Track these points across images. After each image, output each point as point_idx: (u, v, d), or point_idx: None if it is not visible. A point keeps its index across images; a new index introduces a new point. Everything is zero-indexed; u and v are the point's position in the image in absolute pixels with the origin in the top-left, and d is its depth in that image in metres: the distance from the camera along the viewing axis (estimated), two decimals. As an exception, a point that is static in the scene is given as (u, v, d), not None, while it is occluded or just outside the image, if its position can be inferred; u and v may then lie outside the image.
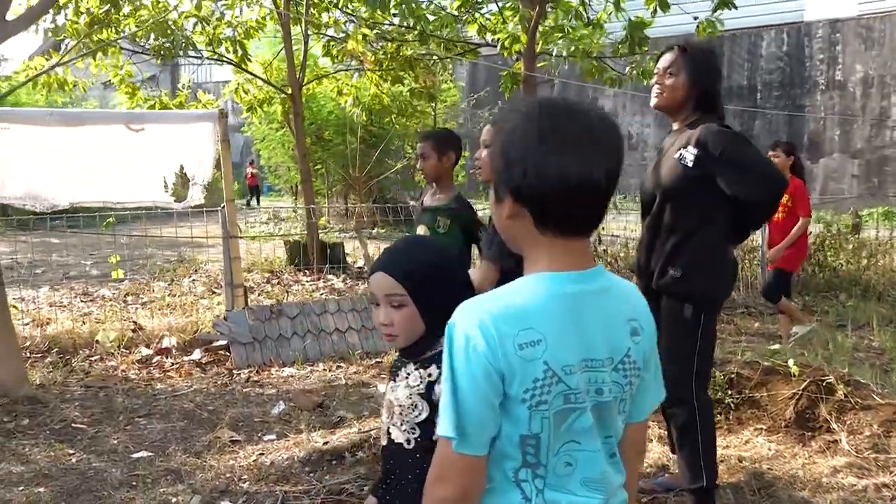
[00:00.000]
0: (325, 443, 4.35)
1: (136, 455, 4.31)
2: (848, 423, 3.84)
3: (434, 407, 1.83)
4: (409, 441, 1.88)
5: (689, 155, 3.06)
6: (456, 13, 8.51)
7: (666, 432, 3.63)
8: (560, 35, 7.41)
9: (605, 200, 1.34)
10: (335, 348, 6.08)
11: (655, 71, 3.27)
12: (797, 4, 14.11)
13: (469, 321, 1.30)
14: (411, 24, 8.07)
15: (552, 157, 1.29)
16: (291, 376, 5.66)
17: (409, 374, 1.92)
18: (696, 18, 7.34)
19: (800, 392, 3.99)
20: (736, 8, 7.48)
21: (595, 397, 1.35)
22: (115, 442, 4.50)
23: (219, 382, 5.53)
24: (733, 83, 15.16)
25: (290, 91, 8.64)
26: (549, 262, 1.35)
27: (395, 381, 1.97)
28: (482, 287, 2.99)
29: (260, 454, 4.30)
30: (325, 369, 5.80)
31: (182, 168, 5.99)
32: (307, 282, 8.42)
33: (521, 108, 1.38)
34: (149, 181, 5.95)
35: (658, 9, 7.75)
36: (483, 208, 5.29)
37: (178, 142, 5.94)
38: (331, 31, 9.14)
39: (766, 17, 13.95)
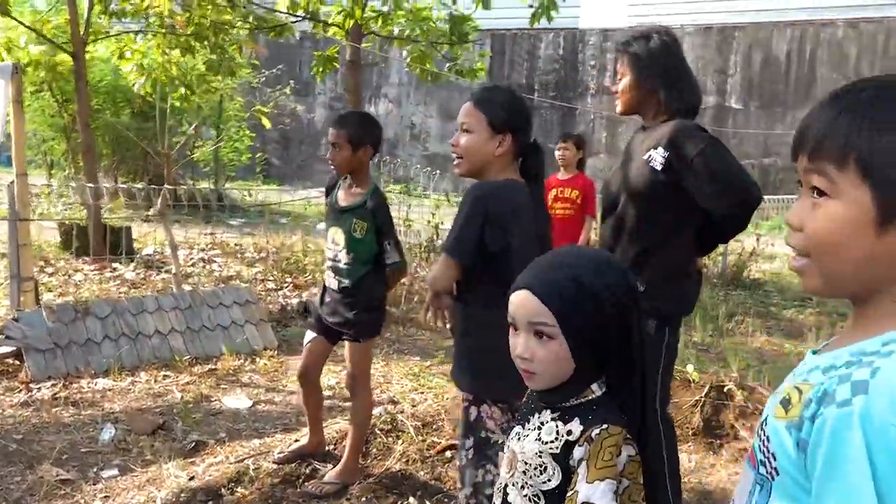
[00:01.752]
0: (191, 477, 3.61)
1: (-72, 509, 3.29)
2: (749, 427, 3.90)
3: (568, 474, 1.42)
4: None
5: (659, 157, 2.83)
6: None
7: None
8: (402, 16, 6.97)
9: None
10: (157, 354, 5.19)
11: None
12: (573, 11, 14.88)
13: None
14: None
15: None
16: (110, 390, 4.71)
17: (542, 424, 1.49)
18: (531, 6, 7.25)
19: (702, 399, 3.99)
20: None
21: None
22: None
23: (15, 401, 4.45)
24: (513, 81, 15.68)
25: (71, 50, 7.30)
26: None
27: (523, 427, 1.54)
28: (435, 284, 2.55)
29: (105, 497, 3.47)
30: (149, 380, 4.91)
31: (-42, 132, 4.75)
32: (90, 272, 7.21)
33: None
34: None
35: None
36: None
37: (-46, 98, 4.69)
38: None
39: (544, 20, 14.57)
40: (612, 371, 1.50)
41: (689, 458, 3.75)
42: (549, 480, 1.44)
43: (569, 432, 1.44)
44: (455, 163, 2.66)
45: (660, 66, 2.88)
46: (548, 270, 1.50)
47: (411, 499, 3.46)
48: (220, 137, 11.19)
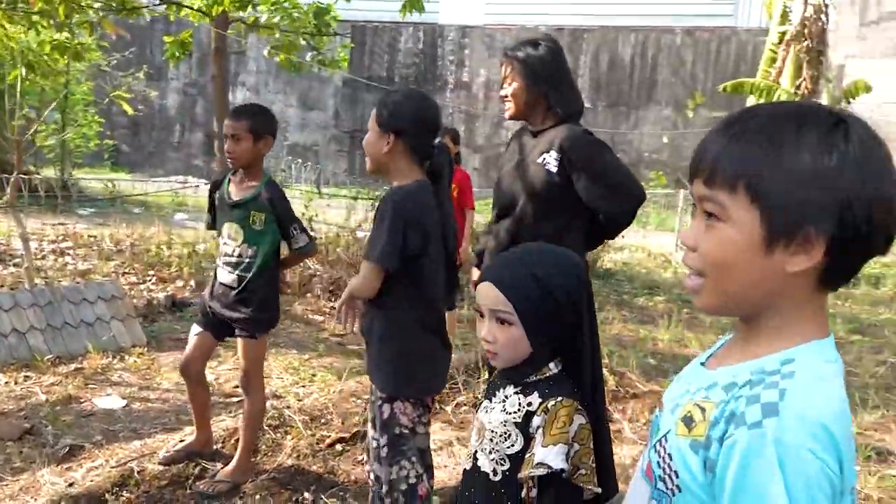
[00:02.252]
0: (70, 484, 3.45)
1: None
2: (622, 410, 4.19)
3: (528, 440, 1.64)
4: (495, 472, 1.69)
5: (552, 160, 2.98)
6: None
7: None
8: (268, 2, 6.84)
9: None
10: (14, 354, 4.87)
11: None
12: (432, 7, 15.06)
13: (814, 436, 0.95)
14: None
15: (885, 189, 0.98)
16: (-36, 395, 4.38)
17: (506, 397, 1.71)
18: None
19: (579, 385, 4.24)
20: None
21: None
22: None
23: None
24: (373, 73, 15.67)
25: None
26: (817, 324, 1.07)
27: (490, 401, 1.76)
28: (361, 293, 2.60)
29: (-26, 510, 3.25)
30: (8, 381, 4.60)
31: None
32: (-76, 266, 6.62)
33: (815, 117, 1.01)
34: None
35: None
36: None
37: None
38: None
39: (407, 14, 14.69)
40: (567, 353, 1.71)
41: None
42: (513, 446, 1.66)
43: (529, 404, 1.66)
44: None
45: (548, 72, 3.02)
46: (511, 265, 1.70)
47: (306, 494, 3.45)
48: (67, 122, 10.48)
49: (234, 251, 3.39)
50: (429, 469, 2.68)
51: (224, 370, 4.90)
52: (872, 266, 12.81)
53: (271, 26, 7.46)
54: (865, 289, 10.03)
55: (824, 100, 10.87)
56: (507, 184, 3.18)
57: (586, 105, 3.25)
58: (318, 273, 6.85)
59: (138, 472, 3.52)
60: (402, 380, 2.55)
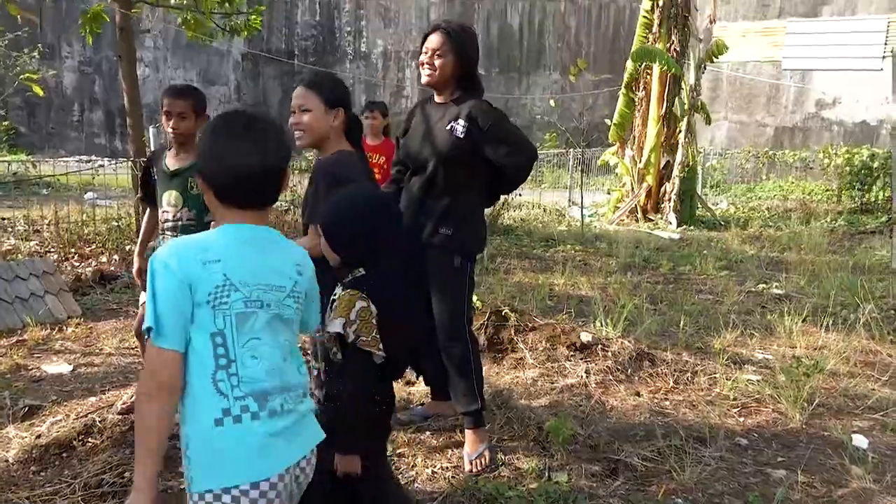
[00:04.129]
0: (37, 436, 3.82)
1: None
2: (524, 342, 4.83)
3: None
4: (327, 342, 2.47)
5: (460, 127, 3.51)
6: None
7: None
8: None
9: (267, 185, 1.88)
10: (-46, 330, 5.12)
11: (424, 51, 3.65)
12: (326, -22, 15.32)
13: (167, 252, 1.76)
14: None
15: (225, 151, 1.83)
16: (-88, 370, 4.63)
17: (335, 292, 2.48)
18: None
19: (486, 321, 4.87)
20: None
21: (272, 309, 1.85)
22: None
23: None
24: (272, 46, 15.78)
25: None
26: (228, 221, 1.88)
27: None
28: (314, 251, 3.09)
29: (-50, 464, 3.58)
30: (-48, 357, 4.87)
31: None
32: None
33: (221, 114, 1.94)
34: None
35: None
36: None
37: None
38: None
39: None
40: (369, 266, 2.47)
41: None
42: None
43: (334, 293, 2.45)
44: (297, 136, 3.18)
45: (475, 56, 3.59)
46: (328, 205, 2.57)
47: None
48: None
49: (174, 216, 3.77)
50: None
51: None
52: (742, 211, 14.04)
53: (178, 7, 7.66)
54: (735, 230, 11.08)
55: (691, 60, 11.78)
56: (417, 148, 3.69)
57: (481, 72, 3.80)
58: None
59: (99, 422, 3.91)
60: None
